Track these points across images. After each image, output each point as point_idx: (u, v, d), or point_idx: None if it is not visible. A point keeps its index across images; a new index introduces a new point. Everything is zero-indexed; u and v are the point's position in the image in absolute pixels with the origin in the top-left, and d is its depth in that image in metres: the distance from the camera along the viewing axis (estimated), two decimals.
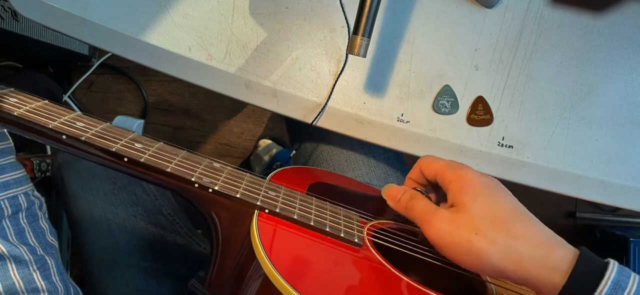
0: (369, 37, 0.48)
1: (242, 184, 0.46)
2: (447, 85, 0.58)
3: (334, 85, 0.59)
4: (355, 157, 0.69)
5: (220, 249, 0.45)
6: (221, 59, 0.59)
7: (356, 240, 0.45)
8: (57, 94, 1.26)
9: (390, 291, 0.41)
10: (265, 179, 0.50)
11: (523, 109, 0.58)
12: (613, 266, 0.36)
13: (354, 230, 0.46)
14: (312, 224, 0.44)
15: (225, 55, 0.59)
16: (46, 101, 0.44)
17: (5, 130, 0.46)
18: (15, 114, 0.40)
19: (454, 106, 0.59)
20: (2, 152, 0.46)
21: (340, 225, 0.46)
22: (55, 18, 0.58)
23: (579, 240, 1.34)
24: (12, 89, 0.44)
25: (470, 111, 0.59)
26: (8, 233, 0.46)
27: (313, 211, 0.47)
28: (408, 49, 0.58)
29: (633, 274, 0.36)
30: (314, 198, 0.50)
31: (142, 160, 0.42)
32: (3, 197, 0.46)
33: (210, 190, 0.43)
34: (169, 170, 0.43)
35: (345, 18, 0.58)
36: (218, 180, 0.45)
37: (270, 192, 0.47)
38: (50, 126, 0.41)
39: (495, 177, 0.58)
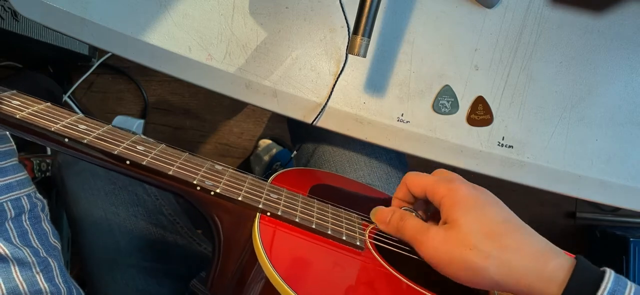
0: (369, 37, 0.48)
1: (243, 186, 0.46)
2: (447, 85, 0.58)
3: (334, 85, 0.59)
4: (357, 158, 0.69)
5: (222, 252, 0.45)
6: (221, 59, 0.59)
7: (358, 243, 0.45)
8: (57, 94, 1.26)
9: (393, 294, 0.41)
10: (266, 181, 0.50)
11: (523, 109, 0.58)
12: (609, 276, 0.36)
13: (356, 233, 0.46)
14: (313, 227, 0.44)
15: (225, 55, 0.59)
16: (48, 103, 0.44)
17: (7, 132, 0.46)
18: (17, 116, 0.40)
19: (454, 106, 0.59)
20: (4, 154, 0.46)
21: (342, 228, 0.46)
22: (55, 18, 0.58)
23: (579, 240, 1.34)
24: (14, 91, 0.44)
25: (470, 111, 0.59)
26: (11, 235, 0.46)
27: (315, 214, 0.47)
28: (408, 49, 0.58)
29: (629, 283, 0.36)
30: (315, 200, 0.50)
31: (144, 163, 0.42)
32: (6, 199, 0.46)
33: (212, 193, 0.43)
34: (171, 173, 0.43)
35: (345, 18, 0.58)
36: (220, 183, 0.44)
37: (271, 194, 0.47)
38: (52, 129, 0.41)
39: (495, 178, 0.58)
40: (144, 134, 1.36)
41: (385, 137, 0.60)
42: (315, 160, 0.72)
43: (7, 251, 0.45)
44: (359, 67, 0.59)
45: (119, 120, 1.34)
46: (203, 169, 0.45)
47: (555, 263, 0.37)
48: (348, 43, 0.57)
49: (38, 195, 0.50)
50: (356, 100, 0.59)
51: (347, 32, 0.58)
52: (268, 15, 0.58)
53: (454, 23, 0.57)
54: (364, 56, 0.49)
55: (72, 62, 1.31)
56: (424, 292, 0.42)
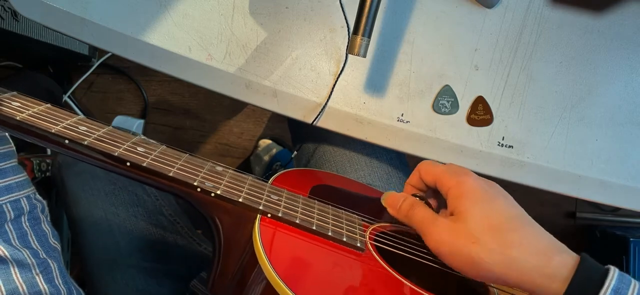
0: (369, 37, 0.48)
1: (244, 187, 0.46)
2: (447, 85, 0.58)
3: (334, 85, 0.59)
4: (357, 158, 0.69)
5: (222, 253, 0.44)
6: (221, 59, 0.59)
7: (359, 244, 0.45)
8: (57, 94, 1.26)
9: None
10: (267, 182, 0.50)
11: (523, 109, 0.58)
12: (613, 273, 0.36)
13: (356, 234, 0.46)
14: (314, 228, 0.44)
15: (225, 55, 0.59)
16: (49, 105, 0.44)
17: (7, 134, 0.46)
18: (17, 118, 0.40)
19: (454, 106, 0.59)
20: (3, 155, 0.46)
21: (343, 230, 0.46)
22: (55, 18, 0.58)
23: (579, 240, 1.34)
24: (15, 92, 0.44)
25: (470, 111, 0.59)
26: (11, 237, 0.46)
27: (315, 215, 0.46)
28: (408, 49, 0.58)
29: (634, 281, 0.36)
30: (316, 201, 0.50)
31: (145, 164, 0.42)
32: (5, 200, 0.46)
33: (213, 194, 0.43)
34: (171, 174, 0.43)
35: (345, 18, 0.58)
36: (220, 184, 0.44)
37: (272, 195, 0.46)
38: (52, 131, 0.41)
39: (495, 177, 0.58)
40: (144, 134, 1.36)
41: (385, 137, 0.60)
42: (316, 160, 0.72)
43: (6, 253, 0.45)
44: (359, 67, 0.59)
45: (119, 120, 1.34)
46: (203, 170, 0.45)
47: (559, 260, 0.37)
48: (348, 43, 0.57)
49: (38, 196, 0.50)
50: (356, 100, 0.59)
51: (347, 32, 0.58)
52: (268, 15, 0.58)
53: (454, 23, 0.57)
54: (364, 56, 0.49)
55: (72, 62, 1.31)
56: (424, 293, 0.42)
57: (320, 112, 0.59)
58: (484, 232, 0.39)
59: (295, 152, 0.77)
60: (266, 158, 1.30)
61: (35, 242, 0.48)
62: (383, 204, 0.48)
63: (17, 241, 0.47)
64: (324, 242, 0.44)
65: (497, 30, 0.57)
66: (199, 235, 0.75)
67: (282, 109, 0.60)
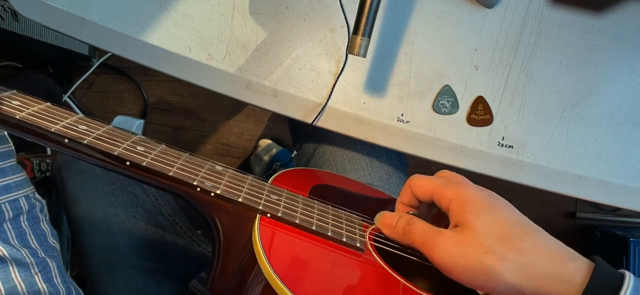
0: (369, 37, 0.48)
1: (244, 187, 0.46)
2: (447, 85, 0.58)
3: (334, 85, 0.59)
4: (358, 158, 0.69)
5: (222, 252, 0.44)
6: (221, 59, 0.59)
7: (358, 244, 0.45)
8: (57, 94, 1.26)
9: None
10: (267, 182, 0.50)
11: (523, 109, 0.58)
12: (629, 279, 0.35)
13: (356, 234, 0.46)
14: (314, 228, 0.44)
15: (225, 55, 0.59)
16: (48, 104, 0.44)
17: (6, 132, 0.46)
18: (17, 117, 0.40)
19: (454, 106, 0.59)
20: (2, 155, 0.46)
21: (343, 230, 0.46)
22: (55, 18, 0.58)
23: (579, 240, 1.34)
24: (14, 91, 0.44)
25: (470, 111, 0.59)
26: (9, 236, 0.46)
27: (315, 215, 0.46)
28: (408, 49, 0.58)
29: None
30: (315, 201, 0.50)
31: (144, 164, 0.42)
32: (4, 200, 0.46)
33: (212, 194, 0.43)
34: (171, 174, 0.43)
35: (345, 18, 0.58)
36: (220, 184, 0.44)
37: (272, 195, 0.46)
38: (52, 130, 0.41)
39: (495, 177, 0.58)
40: (143, 134, 1.36)
41: (385, 137, 0.60)
42: (316, 160, 0.72)
43: (5, 252, 0.45)
44: (359, 67, 0.59)
45: (119, 120, 1.34)
46: (203, 170, 0.45)
47: (574, 265, 0.36)
48: (348, 43, 0.57)
49: (37, 195, 0.50)
50: (356, 100, 0.59)
51: (347, 32, 0.58)
52: (268, 15, 0.58)
53: (454, 23, 0.57)
54: (364, 56, 0.49)
55: (72, 62, 1.31)
56: (423, 294, 0.42)
57: (320, 112, 0.59)
58: (494, 240, 0.37)
59: (295, 152, 0.77)
60: (266, 158, 1.30)
61: (34, 241, 0.48)
62: (377, 224, 0.47)
63: (15, 240, 0.47)
64: (323, 242, 0.44)
65: (497, 30, 0.57)
66: (198, 236, 0.75)
67: (282, 109, 0.60)
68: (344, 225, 0.47)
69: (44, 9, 0.58)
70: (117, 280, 0.66)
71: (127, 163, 0.42)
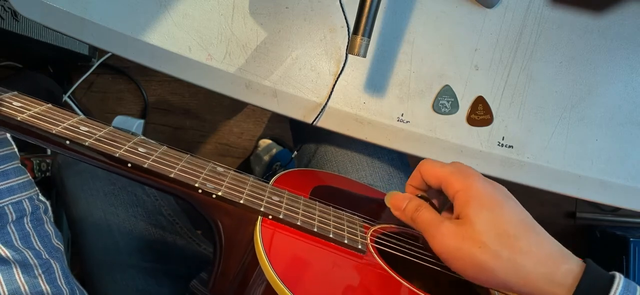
0: (369, 37, 0.48)
1: (245, 189, 0.45)
2: (447, 85, 0.58)
3: (334, 85, 0.59)
4: (359, 158, 0.69)
5: (223, 254, 0.44)
6: (221, 59, 0.59)
7: (360, 246, 0.45)
8: (57, 94, 1.26)
9: None
10: (268, 183, 0.50)
11: (523, 109, 0.58)
12: (619, 281, 0.36)
13: (357, 236, 0.46)
14: (315, 230, 0.44)
15: (225, 55, 0.59)
16: (50, 105, 0.44)
17: (9, 135, 0.46)
18: (18, 119, 0.40)
19: (454, 106, 0.59)
20: (5, 157, 0.46)
21: (344, 232, 0.46)
22: (55, 18, 0.58)
23: (579, 240, 1.34)
24: (15, 92, 0.43)
25: (470, 111, 0.59)
26: (13, 238, 0.46)
27: (316, 217, 0.46)
28: (408, 49, 0.58)
29: (639, 288, 0.36)
30: (317, 203, 0.50)
31: (146, 166, 0.42)
32: (7, 202, 0.45)
33: (214, 196, 0.43)
34: (172, 176, 0.42)
35: (345, 18, 0.58)
36: (221, 185, 0.44)
37: (273, 197, 0.46)
38: (53, 131, 0.40)
39: (495, 177, 0.58)
40: (143, 134, 1.36)
41: (385, 137, 0.60)
42: (317, 160, 0.72)
43: (8, 254, 0.45)
44: (359, 67, 0.59)
45: (118, 120, 1.34)
46: (204, 172, 0.45)
47: (566, 267, 0.37)
48: (348, 43, 0.57)
49: (41, 197, 0.50)
50: (356, 100, 0.59)
51: (347, 32, 0.58)
52: (268, 15, 0.58)
53: (454, 23, 0.57)
54: (364, 56, 0.49)
55: (72, 62, 1.31)
56: None
57: (320, 112, 0.59)
58: (491, 237, 0.38)
59: (295, 152, 0.77)
60: (266, 158, 1.30)
61: (38, 243, 0.48)
62: (387, 204, 0.47)
63: (19, 242, 0.46)
64: (325, 244, 0.44)
65: (497, 30, 0.57)
66: (198, 236, 0.75)
67: (282, 109, 0.60)
68: (345, 227, 0.47)
69: (44, 9, 0.58)
70: (117, 280, 0.66)
71: (129, 165, 0.42)
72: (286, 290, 0.36)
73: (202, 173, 0.45)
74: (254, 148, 1.37)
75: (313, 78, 0.59)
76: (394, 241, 0.49)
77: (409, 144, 0.60)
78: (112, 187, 0.69)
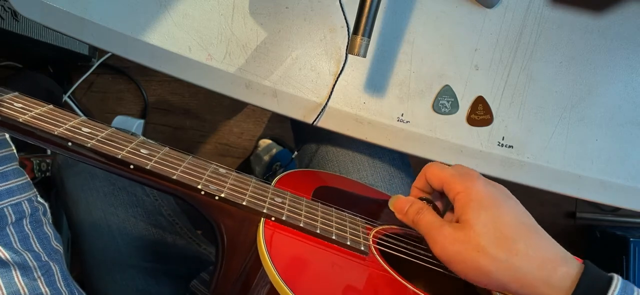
0: (369, 37, 0.48)
1: (247, 190, 0.45)
2: (447, 85, 0.58)
3: (334, 85, 0.59)
4: (360, 158, 0.69)
5: (225, 256, 0.44)
6: (221, 59, 0.59)
7: (362, 248, 0.44)
8: (57, 94, 1.26)
9: None
10: (270, 184, 0.49)
11: (523, 109, 0.58)
12: (616, 283, 0.36)
13: (359, 237, 0.46)
14: (318, 232, 0.44)
15: (225, 55, 0.59)
16: (51, 106, 0.43)
17: (7, 136, 0.46)
18: (20, 120, 0.40)
19: (454, 106, 0.59)
20: (4, 158, 0.46)
21: (346, 233, 0.46)
22: (55, 18, 0.58)
23: (579, 240, 1.34)
24: (16, 93, 0.43)
25: (470, 111, 0.59)
26: (12, 240, 0.46)
27: (319, 218, 0.46)
28: (408, 49, 0.58)
29: (637, 290, 0.36)
30: (319, 204, 0.50)
31: (148, 167, 0.42)
32: (7, 204, 0.45)
33: (217, 197, 0.43)
34: (174, 177, 0.42)
35: (345, 18, 0.58)
36: (224, 187, 0.44)
37: (276, 198, 0.46)
38: (55, 133, 0.40)
39: (495, 177, 0.58)
40: (143, 134, 1.36)
41: (385, 137, 0.60)
42: (318, 160, 0.72)
43: (7, 256, 0.45)
44: (359, 67, 0.59)
45: (118, 120, 1.34)
46: (207, 173, 0.45)
47: (563, 270, 0.37)
48: (348, 43, 0.57)
49: (40, 199, 0.50)
50: (356, 100, 0.59)
51: (347, 32, 0.58)
52: (268, 15, 0.58)
53: (454, 23, 0.57)
54: (364, 56, 0.49)
55: (72, 62, 1.31)
56: None
57: (320, 112, 0.59)
58: (489, 240, 0.39)
59: (296, 153, 0.77)
60: (266, 158, 1.30)
61: (37, 245, 0.48)
62: (390, 207, 0.47)
63: (18, 244, 0.46)
64: (327, 246, 0.44)
65: (497, 30, 0.57)
66: (198, 236, 0.75)
67: (282, 109, 0.60)
68: (347, 229, 0.47)
69: (44, 9, 0.58)
70: (117, 281, 0.66)
71: (131, 166, 0.42)
72: (289, 292, 0.36)
73: (204, 174, 0.44)
74: (254, 148, 1.37)
75: (313, 78, 0.59)
76: (396, 242, 0.49)
77: (409, 144, 0.60)
78: (112, 188, 0.69)
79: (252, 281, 0.41)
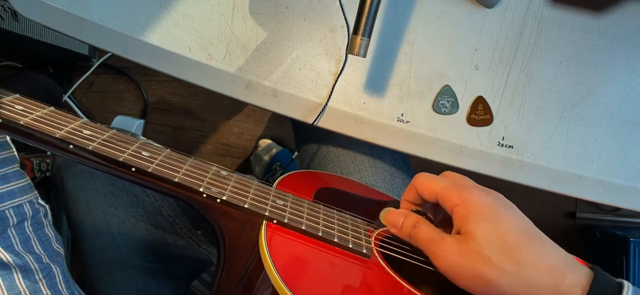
0: (369, 37, 0.48)
1: (249, 193, 0.45)
2: (447, 85, 0.58)
3: (334, 85, 0.59)
4: (361, 159, 0.69)
5: (227, 258, 0.44)
6: (221, 59, 0.59)
7: (364, 250, 0.44)
8: (57, 94, 1.26)
9: None
10: (272, 186, 0.49)
11: (523, 109, 0.58)
12: (627, 290, 0.35)
13: (361, 240, 0.46)
14: (320, 235, 0.44)
15: (225, 55, 0.59)
16: (52, 108, 0.43)
17: (8, 138, 0.46)
18: (21, 122, 0.40)
19: (454, 106, 0.59)
20: (5, 160, 0.46)
21: (348, 236, 0.46)
22: (55, 18, 0.58)
23: (579, 240, 1.34)
24: (17, 95, 0.43)
25: (470, 111, 0.59)
26: (13, 242, 0.46)
27: (321, 221, 0.46)
28: (408, 49, 0.58)
29: None
30: (321, 206, 0.50)
31: (150, 169, 0.42)
32: (8, 206, 0.45)
33: (218, 200, 0.43)
34: (176, 180, 0.42)
35: (345, 18, 0.57)
36: (226, 189, 0.44)
37: (278, 201, 0.46)
38: (57, 135, 0.40)
39: (495, 177, 0.58)
40: (143, 134, 1.37)
41: (385, 137, 0.60)
42: (319, 160, 0.72)
43: (9, 258, 0.45)
44: (359, 67, 0.59)
45: (118, 120, 1.34)
46: (208, 175, 0.45)
47: (572, 279, 0.37)
48: (348, 43, 0.57)
49: (40, 201, 0.50)
50: (356, 100, 0.59)
51: (347, 32, 0.58)
52: (268, 15, 0.58)
53: (454, 23, 0.57)
54: (364, 56, 0.49)
55: (72, 62, 1.31)
56: None
57: (320, 112, 0.59)
58: (494, 250, 0.38)
59: (296, 153, 0.77)
60: (266, 158, 1.30)
61: (39, 247, 0.48)
62: (382, 221, 0.46)
63: (20, 246, 0.46)
64: (329, 249, 0.44)
65: (497, 30, 0.57)
66: (198, 236, 0.75)
67: (282, 109, 0.60)
68: (349, 231, 0.47)
69: (44, 9, 0.58)
70: (117, 281, 0.66)
71: (133, 169, 0.41)
72: None
73: (206, 177, 0.44)
74: (254, 148, 1.37)
75: (313, 78, 0.59)
76: (398, 245, 0.49)
77: (409, 144, 0.60)
78: (112, 188, 0.69)
79: (254, 284, 0.41)
